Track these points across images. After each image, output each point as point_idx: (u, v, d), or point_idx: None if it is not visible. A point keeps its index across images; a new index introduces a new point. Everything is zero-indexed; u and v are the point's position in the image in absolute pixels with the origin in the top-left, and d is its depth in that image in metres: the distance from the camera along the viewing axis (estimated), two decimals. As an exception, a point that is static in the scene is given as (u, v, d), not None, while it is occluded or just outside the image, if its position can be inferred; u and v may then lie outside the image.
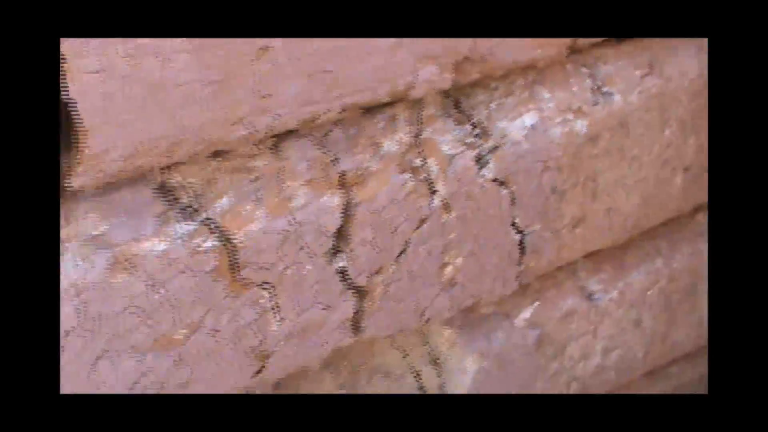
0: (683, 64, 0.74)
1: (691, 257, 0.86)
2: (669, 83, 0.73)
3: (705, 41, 0.75)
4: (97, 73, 0.51)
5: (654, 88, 0.72)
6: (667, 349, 0.90)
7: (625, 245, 0.81)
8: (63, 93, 0.50)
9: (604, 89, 0.70)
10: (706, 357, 0.97)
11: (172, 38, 0.52)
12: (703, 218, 0.87)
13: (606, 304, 0.81)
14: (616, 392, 0.90)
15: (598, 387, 0.86)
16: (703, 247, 0.87)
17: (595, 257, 0.80)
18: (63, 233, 0.56)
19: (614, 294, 0.81)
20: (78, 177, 0.54)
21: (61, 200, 0.56)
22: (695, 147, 0.78)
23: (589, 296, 0.80)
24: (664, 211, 0.80)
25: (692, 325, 0.90)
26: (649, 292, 0.84)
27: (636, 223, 0.79)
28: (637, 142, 0.73)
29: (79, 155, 0.53)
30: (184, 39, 0.52)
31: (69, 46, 0.50)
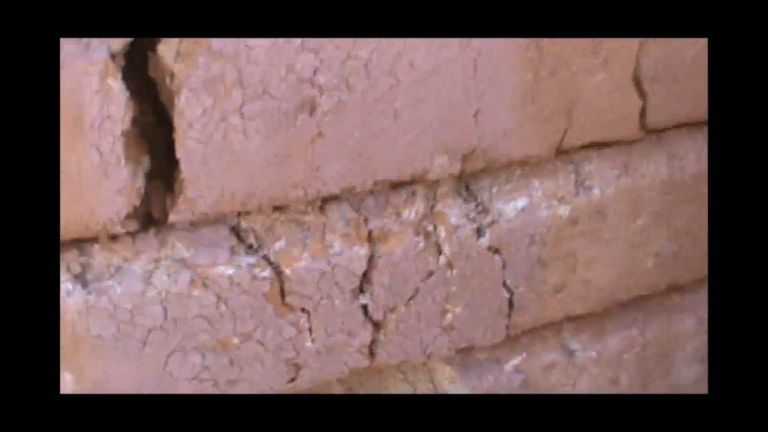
0: (655, 167, 0.90)
1: (665, 329, 0.99)
2: (641, 181, 0.89)
3: (674, 151, 0.91)
4: (199, 142, 0.70)
5: (627, 184, 0.89)
6: None
7: (604, 313, 0.96)
8: (177, 152, 0.69)
9: (586, 183, 0.87)
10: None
11: (255, 121, 0.71)
12: (678, 297, 1.01)
13: (584, 362, 0.96)
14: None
15: (577, 435, 1.00)
16: (678, 321, 1.01)
17: (577, 321, 0.95)
18: (158, 254, 0.74)
19: (592, 353, 0.95)
20: (175, 215, 0.72)
21: (160, 230, 0.75)
22: (666, 235, 0.93)
23: (570, 353, 0.95)
24: (638, 288, 0.95)
25: (668, 388, 1.03)
26: (625, 356, 0.97)
27: (611, 295, 0.94)
28: (612, 227, 0.89)
29: (177, 199, 0.72)
30: (263, 122, 0.71)
31: (182, 122, 0.69)
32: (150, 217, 0.74)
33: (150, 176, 0.73)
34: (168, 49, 0.67)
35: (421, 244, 0.80)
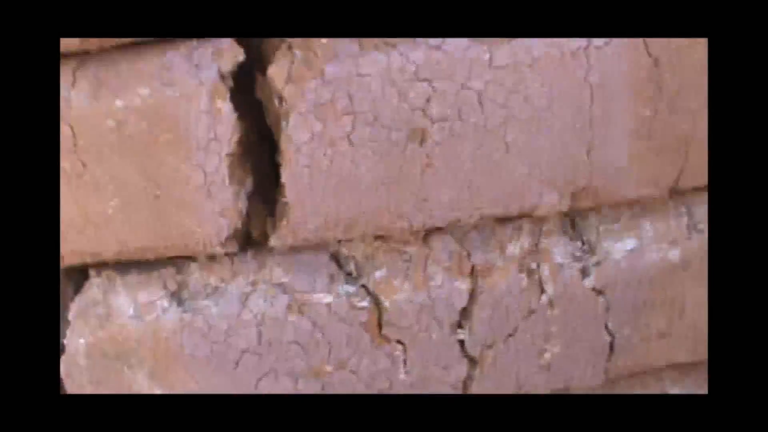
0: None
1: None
2: (758, 229, 0.85)
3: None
4: (306, 167, 0.69)
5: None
6: None
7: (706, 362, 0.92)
8: (283, 176, 0.69)
9: (699, 226, 0.83)
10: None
11: (364, 148, 0.70)
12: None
13: (684, 411, 0.92)
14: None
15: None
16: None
17: (679, 368, 0.92)
18: (256, 277, 0.73)
19: (693, 402, 0.92)
20: (277, 238, 0.71)
21: (259, 253, 0.74)
22: (778, 286, 0.89)
23: (669, 401, 0.92)
24: (745, 338, 0.91)
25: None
26: (725, 407, 0.94)
27: (718, 343, 0.90)
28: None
29: (280, 223, 0.71)
30: (371, 150, 0.69)
31: (289, 146, 0.68)
32: (249, 238, 0.73)
33: (251, 198, 0.72)
34: (279, 71, 0.67)
35: (524, 282, 0.77)
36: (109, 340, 0.73)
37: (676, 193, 0.81)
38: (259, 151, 0.73)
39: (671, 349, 0.87)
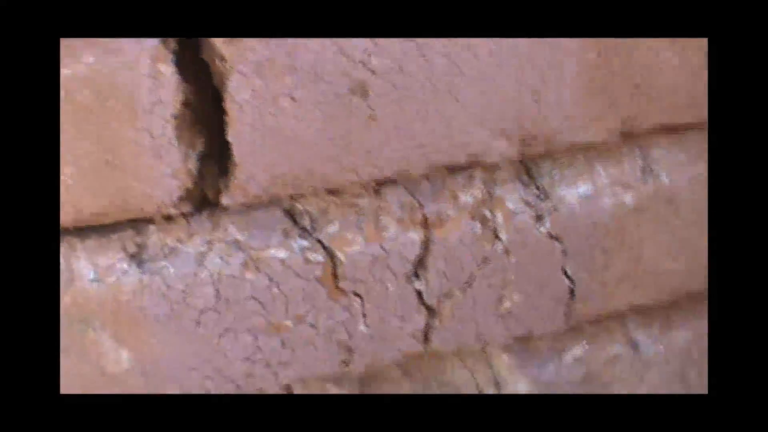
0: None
1: (736, 324, 0.96)
2: (713, 170, 0.86)
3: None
4: (249, 125, 0.70)
5: (699, 171, 0.85)
6: None
7: (672, 305, 0.92)
8: (228, 135, 0.70)
9: (653, 169, 0.84)
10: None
11: (307, 103, 0.70)
12: (753, 292, 0.98)
13: (651, 356, 0.93)
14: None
15: None
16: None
17: (643, 312, 0.92)
18: (212, 236, 0.75)
19: (660, 347, 0.93)
20: (228, 197, 0.72)
21: (214, 213, 0.76)
22: (739, 227, 0.90)
23: (636, 346, 0.92)
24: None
25: (738, 387, 1.00)
26: (692, 349, 0.95)
27: (680, 286, 0.90)
28: (681, 216, 0.85)
29: (230, 181, 0.72)
30: (313, 105, 0.70)
31: (233, 105, 0.69)
32: (205, 199, 0.74)
33: (205, 159, 0.73)
34: (220, 31, 0.67)
35: (478, 230, 0.78)
36: (73, 304, 0.74)
37: (629, 136, 0.81)
38: (211, 113, 0.73)
39: (632, 292, 0.88)
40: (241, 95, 0.68)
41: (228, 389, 0.79)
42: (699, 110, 0.83)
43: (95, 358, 0.74)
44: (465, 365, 0.91)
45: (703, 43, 0.80)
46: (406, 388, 0.90)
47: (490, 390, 0.91)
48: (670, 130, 0.84)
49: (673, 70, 0.78)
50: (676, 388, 0.94)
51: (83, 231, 0.75)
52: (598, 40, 0.76)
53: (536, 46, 0.73)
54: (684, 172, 0.84)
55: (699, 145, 0.85)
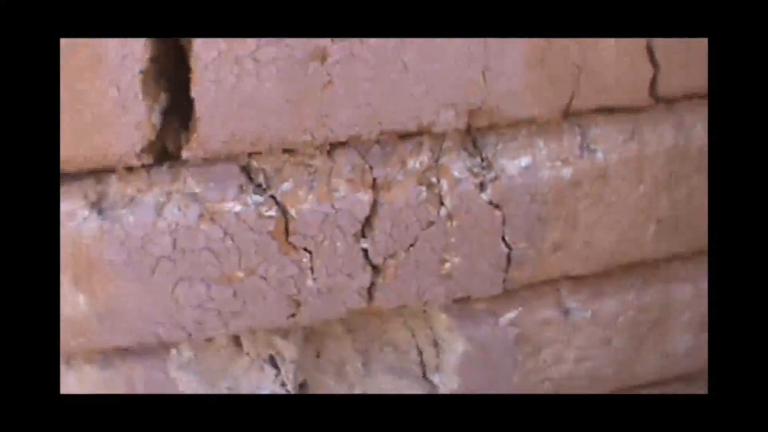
0: (661, 135, 0.92)
1: (661, 295, 1.01)
2: (646, 148, 0.91)
3: (682, 121, 0.93)
4: (212, 83, 0.73)
5: (632, 150, 0.90)
6: (635, 372, 1.04)
7: (603, 275, 0.98)
8: (192, 91, 0.73)
9: (591, 146, 0.89)
10: (672, 387, 1.12)
11: (268, 65, 0.74)
12: (679, 266, 1.03)
13: (579, 321, 0.99)
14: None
15: (570, 391, 1.03)
16: (676, 290, 1.03)
17: (575, 281, 0.98)
18: (171, 188, 0.78)
19: (588, 313, 0.99)
20: (188, 151, 0.76)
21: (173, 166, 0.79)
22: (668, 203, 0.95)
23: (566, 311, 0.98)
24: (639, 252, 0.97)
25: (659, 356, 1.06)
26: (619, 318, 1.01)
27: (611, 258, 0.96)
28: (615, 191, 0.91)
29: (191, 136, 0.76)
30: (275, 67, 0.74)
31: (198, 63, 0.72)
32: (166, 152, 0.78)
33: (168, 114, 0.76)
34: (188, -9, 0.70)
35: (424, 195, 0.83)
36: (33, 247, 0.77)
37: (569, 114, 0.87)
38: (179, 71, 0.77)
39: (566, 261, 0.93)
40: (206, 55, 0.71)
41: (178, 336, 0.82)
42: (635, 92, 0.88)
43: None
44: (406, 324, 0.96)
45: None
46: (348, 344, 0.95)
47: (428, 348, 0.96)
48: (608, 110, 0.89)
49: (611, 53, 0.83)
50: (601, 352, 1.00)
51: (46, 177, 0.77)
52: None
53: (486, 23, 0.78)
54: (618, 150, 0.89)
55: (634, 125, 0.90)
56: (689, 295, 1.02)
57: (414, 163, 0.82)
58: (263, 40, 0.72)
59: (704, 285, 1.03)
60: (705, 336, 1.05)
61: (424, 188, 0.83)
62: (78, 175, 0.77)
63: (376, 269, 0.84)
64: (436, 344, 0.96)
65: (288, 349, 0.90)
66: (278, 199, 0.79)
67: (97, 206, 0.77)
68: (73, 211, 0.77)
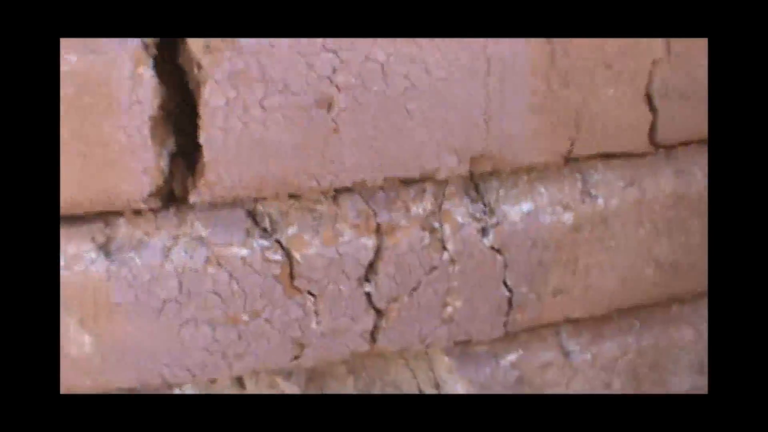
0: (661, 181, 0.93)
1: (660, 338, 1.02)
2: (645, 194, 0.92)
3: (682, 167, 0.94)
4: (221, 129, 0.75)
5: (632, 196, 0.92)
6: None
7: (603, 318, 0.99)
8: (200, 138, 0.74)
9: (592, 192, 0.91)
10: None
11: (275, 113, 0.76)
12: (677, 309, 1.04)
13: (580, 363, 1.00)
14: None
15: (571, 433, 1.04)
16: (675, 333, 1.04)
17: (576, 324, 0.99)
18: (178, 231, 0.79)
19: (588, 356, 0.99)
20: (195, 195, 0.77)
21: (180, 209, 0.80)
22: (667, 247, 0.96)
23: (567, 354, 0.99)
24: (638, 295, 0.98)
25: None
26: (619, 361, 1.02)
27: (611, 301, 0.97)
28: (615, 236, 0.92)
29: (198, 181, 0.77)
30: (281, 115, 0.76)
31: (206, 110, 0.74)
32: (172, 195, 0.79)
33: (174, 157, 0.78)
34: (198, 42, 0.72)
35: (427, 240, 0.84)
36: (40, 289, 0.78)
37: (570, 161, 0.88)
38: (183, 114, 0.78)
39: (566, 305, 0.94)
40: (214, 102, 0.73)
41: (183, 377, 0.83)
42: (635, 139, 0.90)
43: (60, 341, 0.78)
44: (408, 366, 0.97)
45: (637, 74, 0.87)
46: (350, 385, 0.96)
47: (429, 390, 0.97)
48: (609, 156, 0.90)
49: (609, 100, 0.85)
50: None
51: (54, 220, 0.79)
52: (546, 70, 0.82)
53: (489, 72, 0.80)
54: (619, 195, 0.91)
55: (633, 171, 0.92)
56: (688, 338, 1.03)
57: (417, 209, 0.83)
58: (270, 89, 0.74)
59: (703, 328, 1.04)
60: (704, 379, 1.06)
61: (427, 233, 0.84)
62: (86, 218, 0.78)
63: (379, 313, 0.85)
64: (437, 386, 0.97)
65: (291, 390, 0.91)
66: (283, 243, 0.80)
67: (105, 249, 0.78)
68: (81, 254, 0.78)
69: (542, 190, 0.88)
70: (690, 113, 0.92)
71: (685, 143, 0.94)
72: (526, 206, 0.87)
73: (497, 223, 0.86)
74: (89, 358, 0.81)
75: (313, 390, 0.94)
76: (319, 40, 0.73)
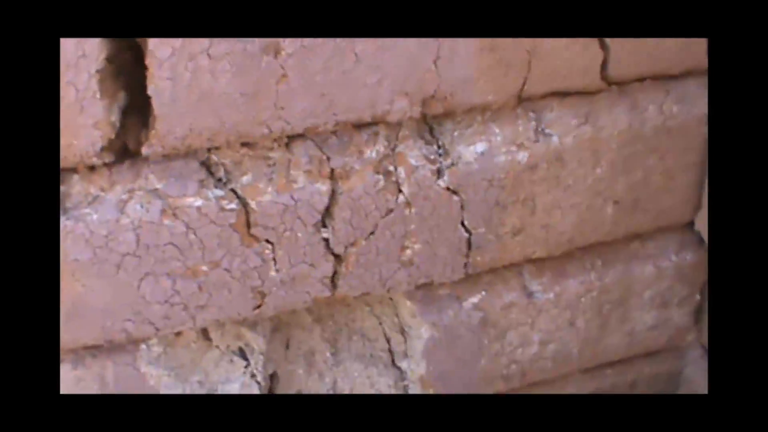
0: (615, 118, 0.94)
1: (623, 275, 1.04)
2: (601, 132, 0.93)
3: (635, 103, 0.95)
4: (169, 80, 0.75)
5: (587, 134, 0.93)
6: (600, 352, 1.07)
7: (564, 257, 1.00)
8: (148, 89, 0.74)
9: (546, 130, 0.91)
10: (637, 365, 1.15)
11: (222, 61, 0.76)
12: (639, 245, 1.06)
13: (543, 303, 1.01)
14: (554, 382, 1.08)
15: (537, 374, 1.04)
16: (636, 269, 1.05)
17: (538, 264, 1.00)
18: (133, 185, 0.80)
19: (551, 295, 1.01)
20: (147, 148, 0.77)
21: (134, 163, 0.80)
22: (624, 185, 0.97)
23: (530, 294, 1.00)
24: (598, 233, 0.99)
25: (623, 335, 1.08)
26: (582, 299, 1.03)
27: (571, 240, 0.98)
28: (571, 174, 0.93)
29: (150, 133, 0.77)
30: (229, 63, 0.76)
31: (153, 61, 0.74)
32: (127, 150, 0.79)
33: (127, 112, 0.78)
34: (140, -10, 0.72)
35: (381, 183, 0.84)
36: (-2, 248, 0.78)
37: (523, 100, 0.89)
38: (135, 68, 0.78)
39: (526, 245, 0.95)
40: (160, 53, 0.73)
41: (147, 331, 0.84)
42: (587, 76, 0.90)
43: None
44: (373, 313, 0.98)
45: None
46: (317, 333, 0.97)
47: (396, 335, 0.98)
48: (562, 94, 0.91)
49: (563, 39, 0.85)
50: (566, 333, 1.02)
51: (8, 179, 0.78)
52: (494, 10, 0.82)
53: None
54: (573, 133, 0.92)
55: (587, 108, 0.92)
56: (650, 273, 1.05)
57: (371, 153, 0.84)
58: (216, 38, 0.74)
59: (664, 263, 1.05)
60: (667, 313, 1.08)
61: (381, 177, 0.84)
62: (40, 176, 0.78)
63: (338, 258, 0.86)
64: (402, 331, 0.98)
65: (257, 341, 0.92)
66: (239, 192, 0.80)
67: (61, 206, 0.78)
68: (37, 212, 0.77)
69: (496, 130, 0.88)
70: (642, 49, 0.92)
71: (639, 80, 0.94)
72: (480, 146, 0.88)
73: (452, 165, 0.87)
74: (52, 315, 0.81)
75: (279, 340, 0.95)
76: (262, -15, 0.73)
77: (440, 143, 0.87)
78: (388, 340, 0.99)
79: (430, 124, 0.87)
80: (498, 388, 1.01)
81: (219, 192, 0.80)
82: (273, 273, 0.84)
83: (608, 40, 0.90)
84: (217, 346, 0.91)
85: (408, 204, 0.86)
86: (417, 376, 0.97)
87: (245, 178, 0.81)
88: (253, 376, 0.92)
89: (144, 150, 0.77)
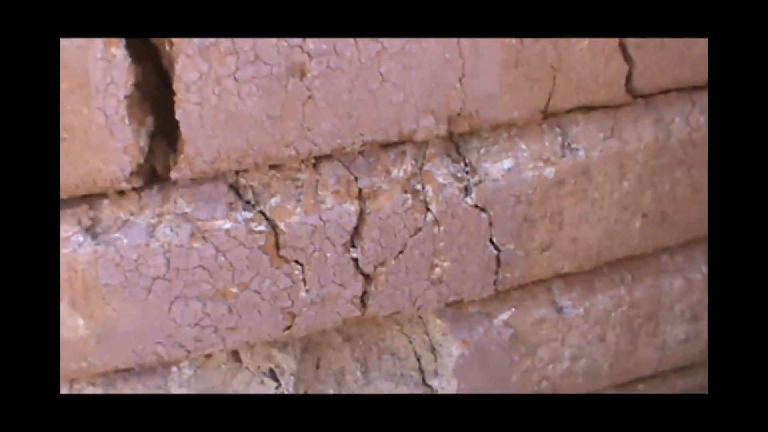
0: (641, 131, 0.94)
1: (652, 289, 1.03)
2: (627, 145, 0.93)
3: (661, 116, 0.95)
4: (196, 104, 0.75)
5: (613, 147, 0.92)
6: (631, 367, 1.06)
7: (593, 272, 1.00)
8: (176, 114, 0.75)
9: (572, 145, 0.91)
10: (670, 380, 1.14)
11: (248, 84, 0.76)
12: (668, 258, 1.05)
13: (573, 318, 1.00)
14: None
15: (568, 390, 1.04)
16: (666, 283, 1.05)
17: (567, 279, 0.99)
18: (162, 209, 0.80)
19: (581, 311, 1.00)
20: (176, 172, 0.77)
21: (163, 187, 0.81)
22: (652, 198, 0.97)
23: (559, 310, 1.00)
24: (626, 247, 0.99)
25: (655, 349, 1.08)
26: (612, 314, 1.02)
27: (600, 254, 0.98)
28: (598, 188, 0.93)
29: (178, 157, 0.78)
30: (255, 86, 0.76)
31: (180, 86, 0.74)
32: (155, 174, 0.80)
33: (155, 136, 0.78)
34: (167, 16, 0.72)
35: (409, 202, 0.84)
36: (30, 275, 0.79)
37: (548, 115, 0.89)
38: (162, 93, 0.79)
39: (555, 260, 0.95)
40: (188, 76, 0.73)
41: (178, 354, 0.84)
42: (612, 90, 0.90)
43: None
44: (402, 331, 0.98)
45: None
46: (347, 353, 0.96)
47: (426, 354, 0.98)
48: (587, 108, 0.91)
49: (585, 51, 0.85)
50: (597, 348, 1.01)
51: (39, 206, 0.79)
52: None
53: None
54: (600, 147, 0.91)
55: (613, 122, 0.92)
56: (680, 286, 1.04)
57: (398, 172, 0.84)
58: (242, 60, 0.74)
59: (694, 276, 1.05)
60: (698, 326, 1.07)
61: (409, 195, 0.84)
62: (71, 201, 0.79)
63: (367, 277, 0.86)
64: (433, 349, 0.98)
65: (287, 362, 0.92)
66: (267, 214, 0.81)
67: (91, 231, 0.79)
68: (68, 237, 0.78)
69: (522, 146, 0.88)
70: (667, 61, 0.92)
71: (664, 92, 0.94)
72: (507, 163, 0.87)
73: (479, 182, 0.87)
74: (84, 341, 0.81)
75: (309, 360, 0.95)
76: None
77: (467, 161, 0.87)
78: (418, 359, 0.99)
79: (456, 141, 0.87)
80: (529, 405, 1.00)
81: (248, 214, 0.80)
82: (303, 294, 0.84)
83: (632, 53, 0.90)
84: (248, 368, 0.91)
85: (436, 222, 0.86)
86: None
87: (273, 200, 0.81)
88: (283, 397, 0.92)
89: (172, 174, 0.77)
